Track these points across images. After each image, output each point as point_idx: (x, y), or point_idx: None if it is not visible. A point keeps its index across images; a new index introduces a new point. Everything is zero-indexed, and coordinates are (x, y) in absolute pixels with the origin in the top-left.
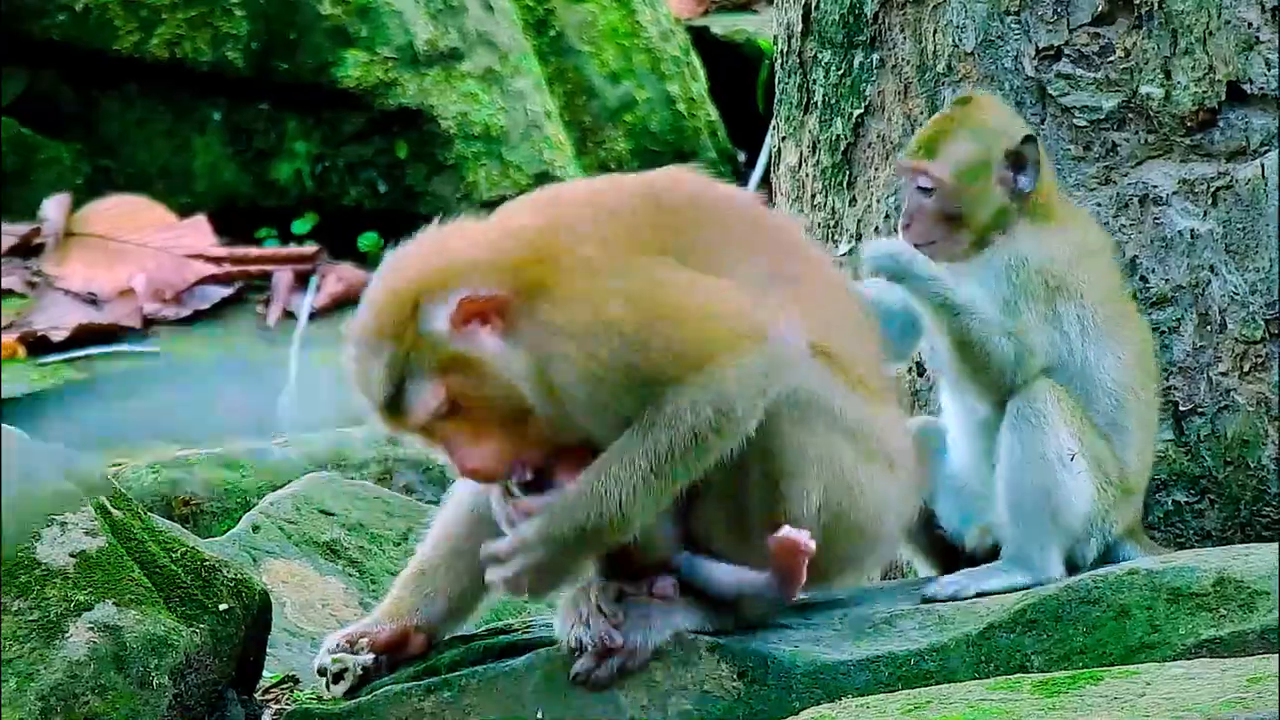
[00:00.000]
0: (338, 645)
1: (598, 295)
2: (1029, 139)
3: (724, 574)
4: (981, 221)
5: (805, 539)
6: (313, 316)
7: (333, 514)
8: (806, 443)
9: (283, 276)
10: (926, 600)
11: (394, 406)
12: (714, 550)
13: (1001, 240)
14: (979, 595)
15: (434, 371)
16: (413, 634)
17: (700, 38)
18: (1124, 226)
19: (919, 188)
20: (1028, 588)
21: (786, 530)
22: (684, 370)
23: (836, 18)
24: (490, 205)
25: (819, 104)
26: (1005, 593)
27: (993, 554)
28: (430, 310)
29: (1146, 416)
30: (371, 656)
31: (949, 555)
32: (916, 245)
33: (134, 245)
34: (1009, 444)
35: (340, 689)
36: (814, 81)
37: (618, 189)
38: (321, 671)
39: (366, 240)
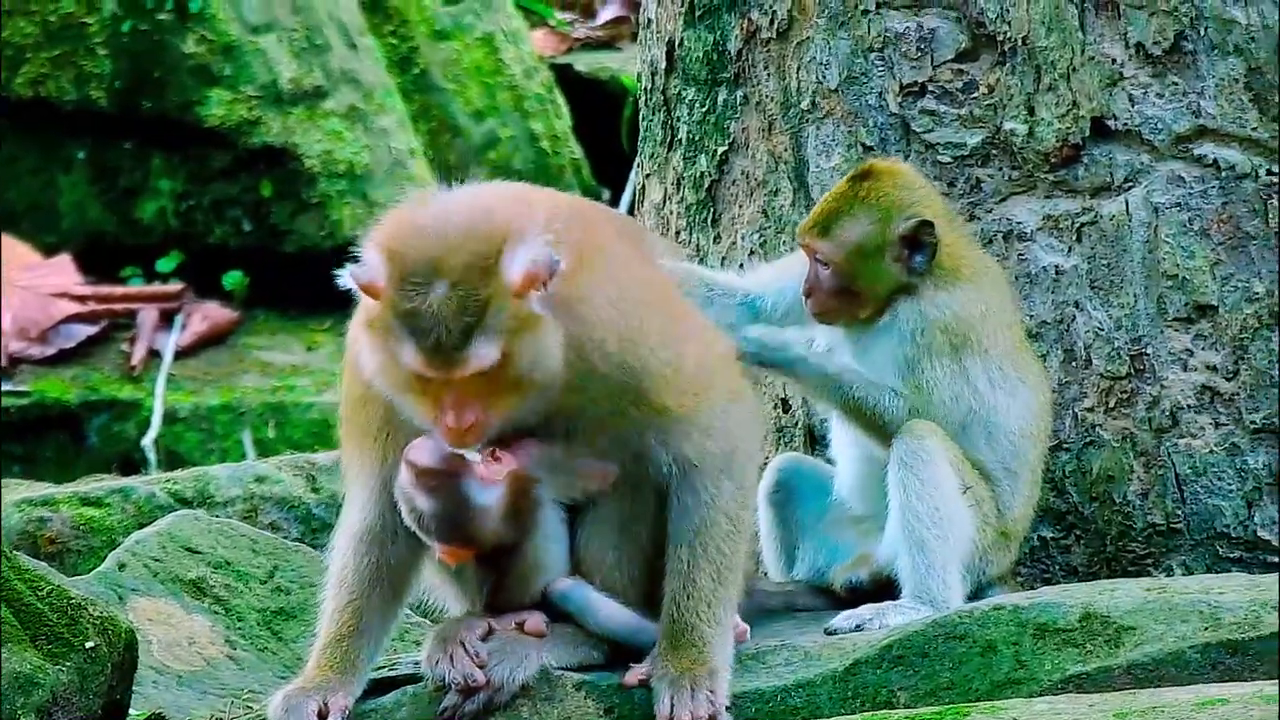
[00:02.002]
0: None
1: (627, 299)
2: (925, 224)
3: (614, 614)
4: (880, 294)
5: (745, 629)
6: (178, 355)
7: (199, 552)
8: None
9: (148, 315)
10: (829, 632)
11: (457, 348)
12: (599, 580)
13: (906, 303)
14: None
15: (504, 327)
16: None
17: (564, 75)
18: None
19: (817, 260)
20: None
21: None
22: (688, 398)
23: (700, 55)
24: (354, 244)
25: (683, 141)
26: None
27: (869, 589)
28: (512, 259)
29: (1037, 467)
30: None
31: None
32: (816, 314)
33: None
34: (900, 480)
35: None
36: (678, 119)
37: (599, 206)
38: None
39: (231, 279)
